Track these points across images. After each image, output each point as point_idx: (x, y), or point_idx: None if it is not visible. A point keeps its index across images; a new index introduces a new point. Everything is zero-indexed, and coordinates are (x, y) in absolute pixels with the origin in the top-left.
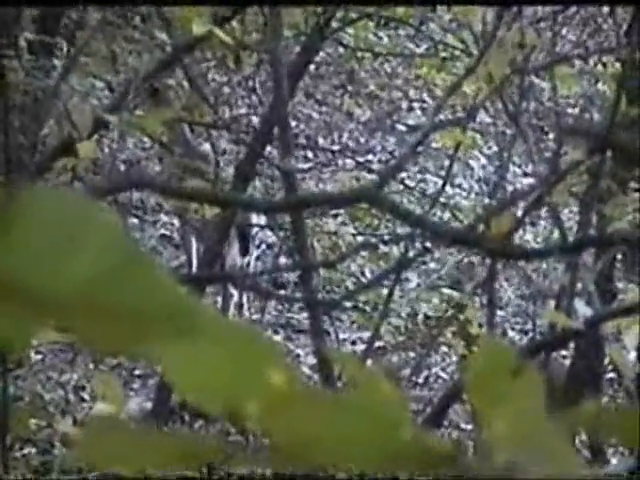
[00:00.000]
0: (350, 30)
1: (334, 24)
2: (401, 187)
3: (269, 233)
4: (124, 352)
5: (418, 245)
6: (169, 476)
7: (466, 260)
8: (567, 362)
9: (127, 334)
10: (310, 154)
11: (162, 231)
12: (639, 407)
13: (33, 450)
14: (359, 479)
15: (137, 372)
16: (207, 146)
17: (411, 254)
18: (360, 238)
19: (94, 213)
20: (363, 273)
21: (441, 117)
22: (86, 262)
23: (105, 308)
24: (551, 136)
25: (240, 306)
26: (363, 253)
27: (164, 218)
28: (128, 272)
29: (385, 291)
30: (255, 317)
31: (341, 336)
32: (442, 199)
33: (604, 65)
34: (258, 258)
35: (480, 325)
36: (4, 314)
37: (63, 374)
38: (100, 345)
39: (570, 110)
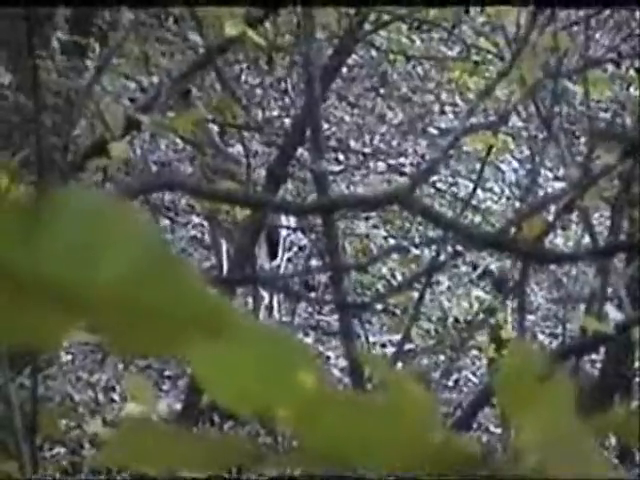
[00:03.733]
0: (383, 33)
1: (367, 26)
2: (433, 190)
3: (300, 235)
4: (155, 354)
5: (449, 248)
6: (199, 477)
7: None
8: (598, 367)
9: (158, 336)
10: (342, 156)
11: (193, 232)
12: None
13: (62, 450)
14: None
15: (167, 373)
16: (239, 148)
17: (442, 257)
18: (391, 241)
19: (126, 214)
20: (394, 276)
21: (473, 120)
22: (117, 263)
23: (136, 309)
24: (583, 140)
25: (270, 308)
26: (394, 256)
27: (195, 219)
28: (159, 274)
29: (416, 294)
30: (285, 319)
31: (371, 339)
32: (473, 202)
33: (637, 70)
34: (289, 260)
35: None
36: (36, 314)
37: (93, 374)
38: (130, 347)
39: (602, 114)
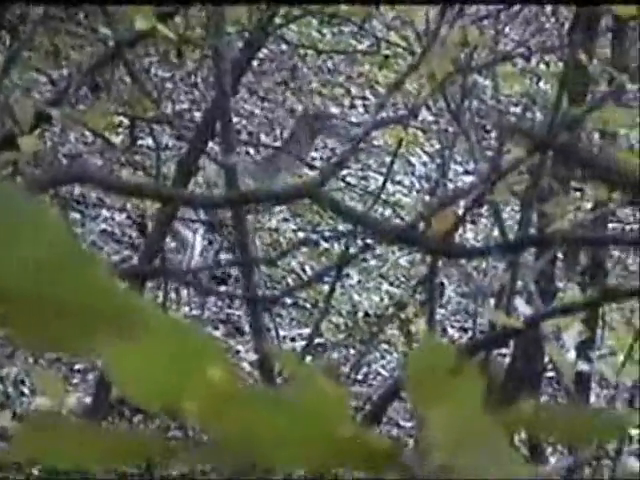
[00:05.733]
0: (293, 27)
1: (277, 20)
2: (342, 184)
3: (210, 229)
4: (64, 349)
5: (359, 242)
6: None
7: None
8: (507, 361)
9: (67, 330)
10: (252, 150)
11: (103, 226)
12: (578, 406)
13: None
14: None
15: (77, 367)
16: (149, 141)
17: (352, 251)
18: (301, 234)
19: (35, 208)
20: (304, 270)
21: (383, 114)
22: (26, 257)
23: (45, 304)
24: (493, 134)
25: (180, 302)
26: (304, 250)
27: (105, 213)
28: (68, 268)
29: (326, 288)
30: (195, 313)
31: (281, 333)
32: (383, 196)
33: (547, 64)
34: (199, 254)
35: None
36: None
37: (2, 368)
38: (38, 341)
39: (512, 109)
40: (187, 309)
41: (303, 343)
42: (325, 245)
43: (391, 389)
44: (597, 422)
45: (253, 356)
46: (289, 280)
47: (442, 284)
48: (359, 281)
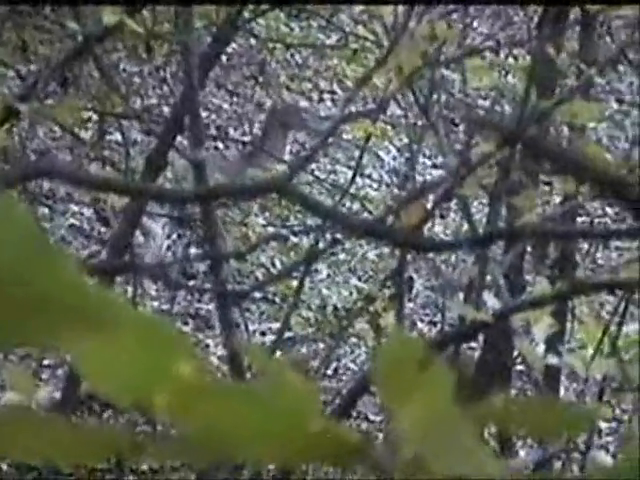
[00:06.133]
0: (261, 21)
1: (246, 14)
2: (311, 178)
3: (179, 223)
4: (32, 345)
5: (328, 236)
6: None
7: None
8: (476, 354)
9: (35, 326)
10: (221, 145)
11: (72, 221)
12: (547, 400)
13: None
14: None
15: (46, 362)
16: (118, 136)
17: (321, 245)
18: (270, 229)
19: (3, 203)
20: (273, 264)
21: (352, 108)
22: None
23: (13, 300)
24: (461, 128)
25: (149, 296)
26: (273, 244)
27: (74, 208)
28: (37, 263)
29: (295, 282)
30: (164, 307)
31: (250, 327)
32: (352, 190)
33: (515, 58)
34: (168, 248)
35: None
36: None
37: None
38: (7, 337)
39: (481, 102)
40: (156, 304)
41: (272, 337)
42: (294, 239)
43: (360, 383)
44: (567, 416)
45: (222, 350)
46: (258, 274)
47: (411, 278)
48: (328, 275)
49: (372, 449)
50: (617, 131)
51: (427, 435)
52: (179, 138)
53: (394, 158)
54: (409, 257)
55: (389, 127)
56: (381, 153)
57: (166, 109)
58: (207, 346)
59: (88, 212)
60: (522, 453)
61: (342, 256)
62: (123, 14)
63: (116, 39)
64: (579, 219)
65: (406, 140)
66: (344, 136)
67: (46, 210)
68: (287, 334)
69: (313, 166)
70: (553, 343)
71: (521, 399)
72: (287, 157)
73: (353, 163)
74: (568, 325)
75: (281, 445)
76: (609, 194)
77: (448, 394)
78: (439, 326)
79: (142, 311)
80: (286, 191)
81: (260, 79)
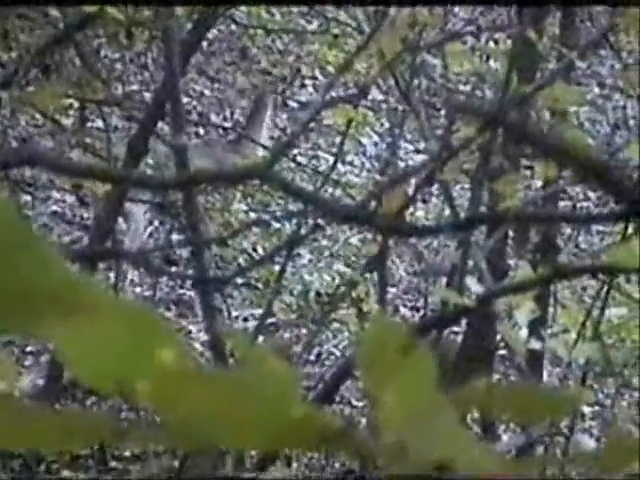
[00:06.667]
0: (243, 7)
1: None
2: (293, 164)
3: (161, 210)
4: (14, 332)
5: (310, 222)
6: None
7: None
8: (458, 339)
9: (17, 313)
10: (202, 131)
11: (54, 208)
12: (530, 384)
13: None
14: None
15: (29, 349)
16: (99, 122)
17: (303, 231)
18: (252, 215)
19: None
20: (255, 250)
21: (333, 94)
22: None
23: None
24: (443, 113)
25: (132, 283)
26: (255, 230)
27: (56, 195)
28: (17, 250)
29: (277, 268)
30: (147, 294)
31: (233, 313)
32: (334, 176)
33: (496, 42)
34: (150, 235)
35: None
36: None
37: None
38: None
39: (462, 87)
40: (138, 290)
41: (255, 323)
42: (276, 225)
43: (343, 368)
44: (549, 400)
45: (205, 337)
46: (240, 260)
47: (393, 263)
48: (310, 261)
49: (355, 434)
50: (598, 115)
51: (410, 420)
52: (160, 124)
53: (375, 144)
54: (391, 242)
55: (370, 112)
56: (362, 139)
57: (147, 95)
58: (189, 332)
59: (70, 199)
60: (505, 437)
61: (324, 242)
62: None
63: (97, 26)
64: (561, 203)
65: (387, 125)
66: (325, 122)
67: (28, 197)
68: (269, 320)
69: (295, 152)
70: (536, 327)
71: (504, 384)
72: (268, 143)
73: (334, 149)
74: (550, 309)
75: (264, 431)
76: (591, 178)
77: (431, 379)
78: (422, 311)
79: (124, 298)
80: (267, 177)
81: (241, 65)
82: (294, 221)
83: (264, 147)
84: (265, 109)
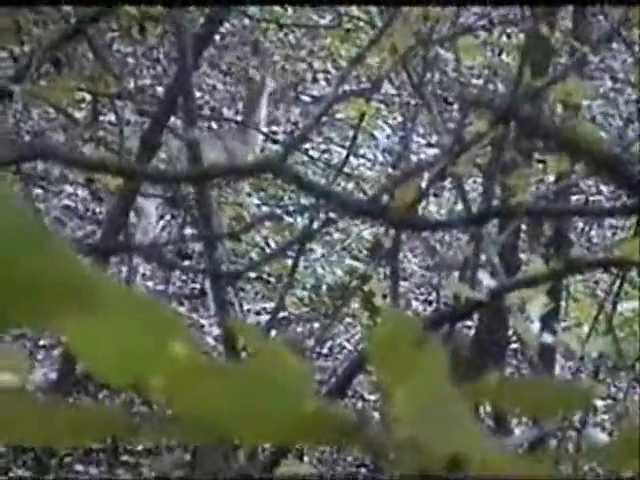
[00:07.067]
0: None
1: None
2: (305, 158)
3: (173, 204)
4: (27, 326)
5: (322, 216)
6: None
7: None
8: (471, 333)
9: (30, 308)
10: (214, 125)
11: (66, 202)
12: (542, 378)
13: None
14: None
15: (42, 343)
16: (112, 117)
17: (315, 225)
18: (264, 209)
19: None
20: (268, 244)
21: (345, 88)
22: None
23: (6, 282)
24: (455, 107)
25: (144, 277)
26: (267, 224)
27: (68, 189)
28: (28, 244)
29: (289, 262)
30: (159, 288)
31: (245, 307)
32: (346, 170)
33: (508, 36)
34: (163, 228)
35: (384, 296)
36: None
37: None
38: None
39: (474, 81)
40: (151, 284)
41: (267, 317)
42: (288, 219)
43: (356, 362)
44: (562, 394)
45: (217, 330)
46: (253, 254)
47: (406, 257)
48: (323, 255)
49: (367, 428)
50: (611, 109)
51: (422, 414)
52: (173, 118)
53: (388, 137)
54: (404, 236)
55: (383, 106)
56: (375, 132)
57: (160, 89)
58: (202, 326)
59: (83, 193)
60: (517, 431)
61: (336, 235)
62: None
63: (109, 20)
64: (573, 197)
65: (400, 119)
66: (338, 115)
67: (40, 191)
68: (282, 314)
69: (307, 146)
70: (548, 321)
71: (516, 378)
72: (280, 137)
73: (347, 142)
74: (563, 303)
75: (276, 425)
76: (603, 172)
77: (443, 373)
78: (434, 305)
79: (137, 291)
80: (280, 171)
81: (254, 59)
82: (306, 215)
83: (264, 134)
84: (261, 94)
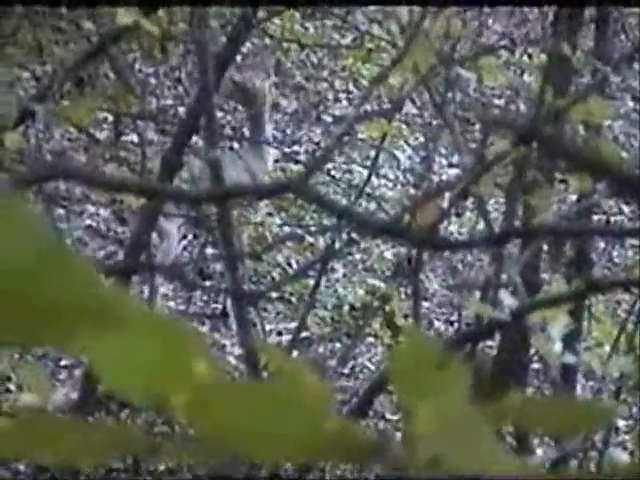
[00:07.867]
0: (277, 21)
1: (261, 14)
2: (327, 178)
3: (195, 224)
4: (46, 344)
5: (344, 236)
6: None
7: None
8: (493, 353)
9: (49, 326)
10: (236, 145)
11: (88, 222)
12: (564, 398)
13: None
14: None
15: (63, 362)
16: (133, 136)
17: (337, 245)
18: (286, 229)
19: (14, 205)
20: (289, 264)
21: (367, 108)
22: (8, 256)
23: (29, 302)
24: (477, 127)
25: (165, 297)
26: (289, 244)
27: (90, 209)
28: (50, 264)
29: (311, 282)
30: (181, 308)
31: (267, 327)
32: (368, 190)
33: (530, 56)
34: (184, 248)
35: (406, 316)
36: None
37: None
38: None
39: (496, 101)
40: (172, 304)
41: (289, 337)
42: (310, 239)
43: (377, 382)
44: (584, 414)
45: (239, 350)
46: (275, 274)
47: (427, 277)
48: (344, 275)
49: (389, 448)
50: (632, 129)
51: (444, 434)
52: (194, 138)
53: (409, 157)
54: (425, 256)
55: (405, 126)
56: (397, 152)
57: (181, 109)
58: (224, 346)
59: (105, 213)
60: (539, 451)
61: (358, 255)
62: (138, 14)
63: (131, 39)
64: (595, 217)
65: (422, 139)
66: (360, 135)
67: (62, 211)
68: (304, 333)
69: (329, 166)
70: (570, 341)
71: (538, 397)
72: (302, 157)
73: (369, 162)
74: (585, 323)
75: (297, 444)
76: (625, 192)
77: (465, 393)
78: (456, 325)
79: (158, 311)
80: (302, 191)
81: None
82: (328, 235)
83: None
84: (263, 108)
